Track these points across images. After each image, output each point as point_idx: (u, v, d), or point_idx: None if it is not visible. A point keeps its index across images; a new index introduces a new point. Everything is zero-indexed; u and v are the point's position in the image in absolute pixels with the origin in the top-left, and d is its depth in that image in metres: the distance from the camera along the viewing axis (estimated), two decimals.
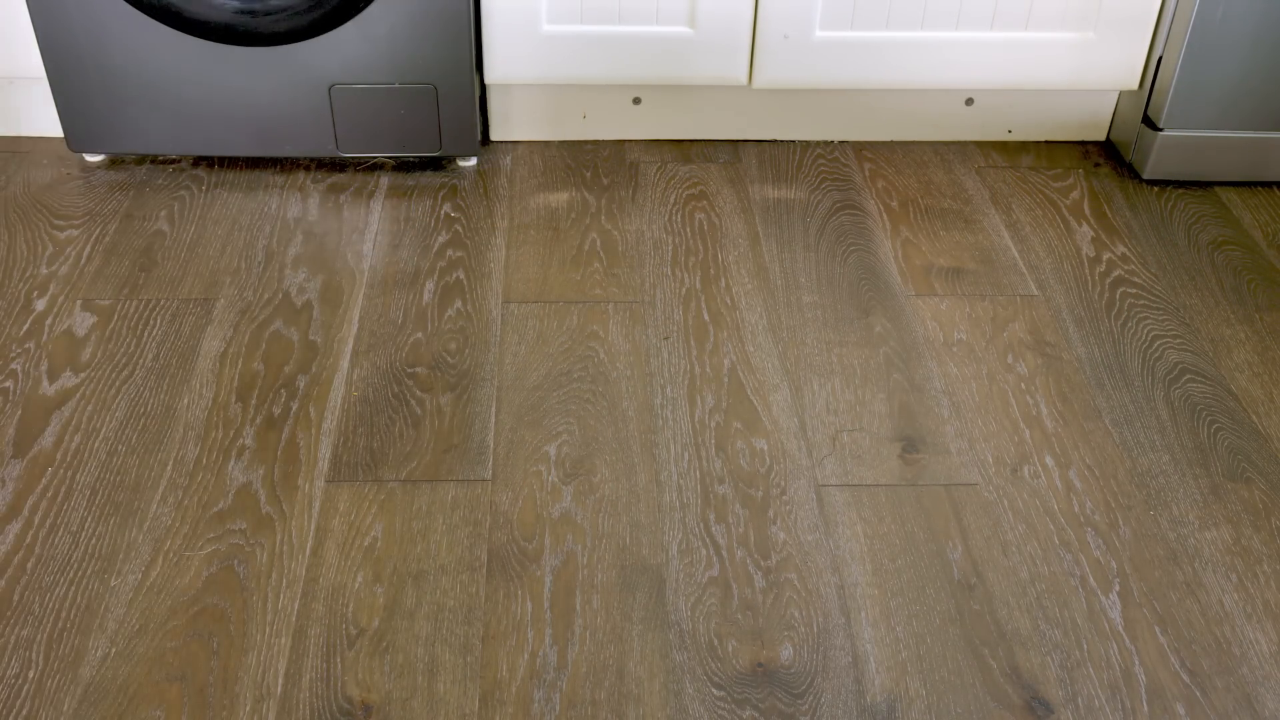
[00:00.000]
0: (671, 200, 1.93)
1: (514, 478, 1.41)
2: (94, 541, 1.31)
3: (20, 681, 1.16)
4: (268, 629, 1.22)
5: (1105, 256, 1.83)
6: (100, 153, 1.99)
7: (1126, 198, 1.99)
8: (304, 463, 1.42)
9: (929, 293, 1.74)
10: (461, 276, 1.74)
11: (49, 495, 1.37)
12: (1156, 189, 2.01)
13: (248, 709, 1.14)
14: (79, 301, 1.68)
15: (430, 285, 1.72)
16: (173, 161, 2.00)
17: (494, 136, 2.10)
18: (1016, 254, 1.83)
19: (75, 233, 1.83)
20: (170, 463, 1.41)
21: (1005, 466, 1.44)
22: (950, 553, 1.33)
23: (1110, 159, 2.10)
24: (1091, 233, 1.89)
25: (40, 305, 1.66)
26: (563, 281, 1.74)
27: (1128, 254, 1.84)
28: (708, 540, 1.33)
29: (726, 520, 1.36)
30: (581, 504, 1.37)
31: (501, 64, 1.96)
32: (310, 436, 1.46)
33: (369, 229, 1.84)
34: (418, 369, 1.57)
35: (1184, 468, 1.45)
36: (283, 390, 1.52)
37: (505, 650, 1.21)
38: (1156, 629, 1.25)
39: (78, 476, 1.39)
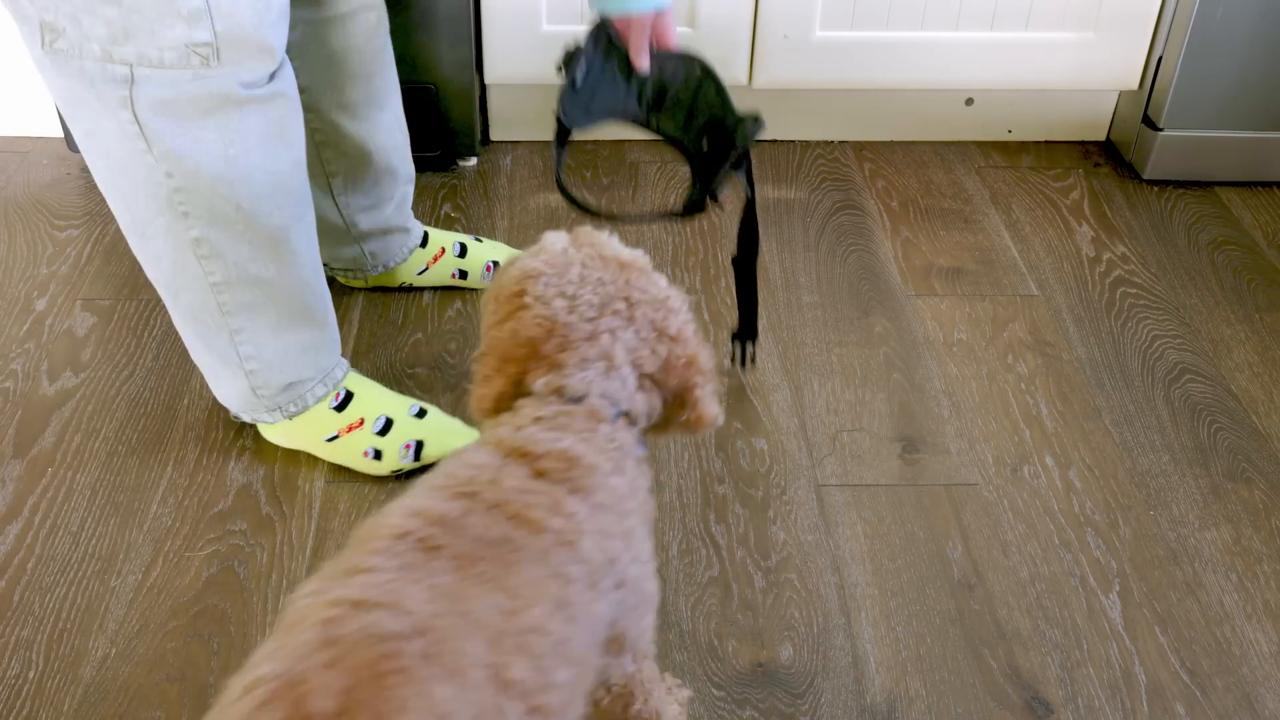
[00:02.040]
0: (671, 200, 1.93)
1: None
2: (94, 542, 1.31)
3: (20, 682, 1.16)
4: (268, 630, 1.22)
5: (1105, 256, 1.83)
6: None
7: (1126, 198, 1.99)
8: (304, 463, 1.41)
9: (929, 293, 1.74)
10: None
11: (49, 496, 1.37)
12: (1156, 189, 2.01)
13: None
14: (79, 301, 1.68)
15: (430, 286, 1.72)
16: None
17: (494, 136, 2.10)
18: (1016, 254, 1.83)
19: (75, 233, 1.83)
20: (170, 463, 1.41)
21: (1005, 466, 1.44)
22: (950, 553, 1.32)
23: (1110, 159, 2.10)
24: (1091, 233, 1.89)
25: (40, 305, 1.66)
26: None
27: (1128, 254, 1.84)
28: (708, 540, 1.33)
29: (726, 520, 1.36)
30: None
31: (501, 64, 1.96)
32: None
33: None
34: (418, 369, 1.57)
35: (1184, 468, 1.45)
36: None
37: None
38: (1156, 629, 1.25)
39: (78, 477, 1.39)
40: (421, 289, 1.71)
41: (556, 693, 0.72)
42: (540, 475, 0.80)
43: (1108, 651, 1.22)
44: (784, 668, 1.19)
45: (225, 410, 1.48)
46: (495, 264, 1.70)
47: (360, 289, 1.70)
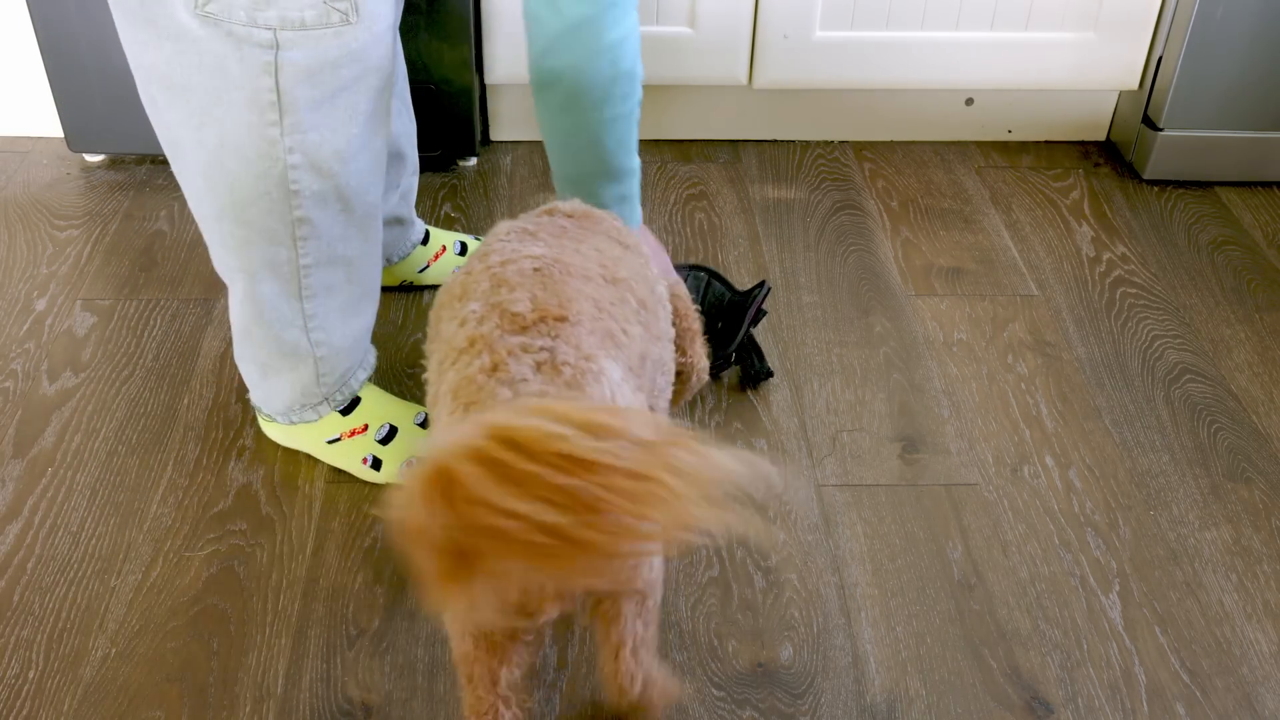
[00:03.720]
0: (671, 200, 1.93)
1: None
2: (94, 542, 1.31)
3: (20, 681, 1.16)
4: (268, 629, 1.22)
5: (1105, 256, 1.83)
6: (100, 153, 1.99)
7: (1126, 198, 1.99)
8: (304, 463, 1.41)
9: (929, 293, 1.74)
10: None
11: (49, 495, 1.37)
12: (1156, 189, 2.01)
13: (248, 709, 1.14)
14: (79, 301, 1.68)
15: (431, 286, 1.72)
16: None
17: (494, 136, 2.10)
18: (1016, 254, 1.83)
19: (75, 233, 1.83)
20: (170, 463, 1.41)
21: (1005, 466, 1.44)
22: (950, 553, 1.32)
23: (1110, 159, 2.10)
24: (1091, 233, 1.89)
25: (40, 305, 1.66)
26: None
27: (1128, 254, 1.84)
28: (707, 540, 1.33)
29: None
30: None
31: (501, 64, 1.96)
32: None
33: None
34: (418, 369, 1.57)
35: (1184, 468, 1.45)
36: None
37: None
38: (1156, 629, 1.25)
39: (78, 477, 1.39)
40: (422, 288, 1.71)
41: (649, 298, 1.06)
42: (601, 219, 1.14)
43: (1108, 651, 1.22)
44: (784, 668, 1.19)
45: (225, 410, 1.49)
46: None
47: None
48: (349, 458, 1.38)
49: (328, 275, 1.27)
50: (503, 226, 1.08)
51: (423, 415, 1.41)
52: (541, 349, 0.89)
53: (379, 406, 1.40)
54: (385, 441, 1.37)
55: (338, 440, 1.38)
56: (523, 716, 1.02)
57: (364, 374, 1.39)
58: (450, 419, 0.88)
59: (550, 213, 1.10)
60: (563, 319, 0.92)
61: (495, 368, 0.88)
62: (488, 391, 0.86)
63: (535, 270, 0.97)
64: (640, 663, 1.03)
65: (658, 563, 0.99)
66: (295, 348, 1.30)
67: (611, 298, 0.98)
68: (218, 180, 1.18)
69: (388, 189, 1.58)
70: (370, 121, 1.20)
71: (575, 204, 1.14)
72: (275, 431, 1.41)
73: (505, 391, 0.86)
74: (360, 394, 1.40)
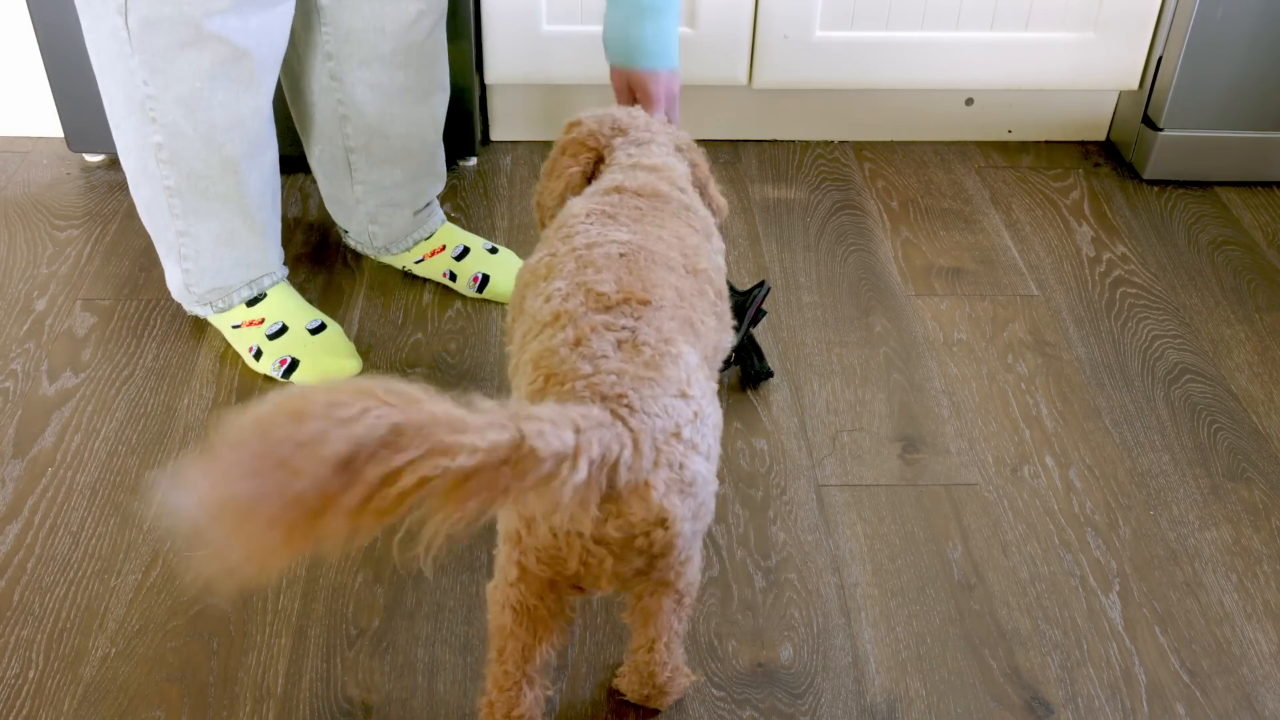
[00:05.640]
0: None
1: None
2: (94, 542, 1.31)
3: (20, 681, 1.16)
4: (268, 629, 1.22)
5: (1105, 256, 1.83)
6: (100, 153, 1.99)
7: (1126, 198, 1.99)
8: None
9: (929, 293, 1.74)
10: None
11: (49, 495, 1.37)
12: (1156, 189, 2.01)
13: (248, 709, 1.14)
14: (79, 301, 1.68)
15: (430, 285, 1.72)
16: None
17: (494, 136, 2.10)
18: (1016, 254, 1.83)
19: (75, 233, 1.83)
20: (170, 463, 1.41)
21: (1005, 466, 1.44)
22: (950, 553, 1.32)
23: (1110, 159, 2.10)
24: (1091, 233, 1.89)
25: (40, 305, 1.66)
26: None
27: (1128, 254, 1.84)
28: (707, 540, 1.33)
29: (726, 520, 1.36)
30: None
31: (501, 64, 1.96)
32: None
33: None
34: (418, 369, 1.57)
35: (1184, 468, 1.45)
36: None
37: None
38: (1156, 629, 1.25)
39: (78, 477, 1.39)
40: (422, 288, 1.71)
41: (724, 287, 1.11)
42: (652, 170, 1.17)
43: (1108, 651, 1.22)
44: (784, 668, 1.19)
45: (225, 410, 1.49)
46: (485, 276, 1.69)
47: (369, 260, 1.72)
48: (241, 344, 1.54)
49: (193, 203, 1.42)
50: (579, 206, 1.11)
51: (319, 321, 1.55)
52: (624, 328, 0.93)
53: (280, 305, 1.55)
54: (274, 337, 1.53)
55: (239, 327, 1.54)
56: (542, 701, 1.04)
57: (248, 292, 1.53)
58: (530, 387, 0.92)
59: (619, 190, 1.13)
60: (646, 302, 0.95)
61: (578, 341, 0.92)
62: (569, 364, 0.90)
63: (621, 256, 1.01)
64: (672, 654, 1.08)
65: (696, 564, 1.01)
66: (170, 250, 1.49)
67: (692, 289, 1.02)
68: (103, 93, 1.37)
69: (393, 186, 1.64)
70: (221, 84, 1.33)
71: (640, 179, 1.15)
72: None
73: (585, 365, 0.89)
74: (269, 292, 1.55)
